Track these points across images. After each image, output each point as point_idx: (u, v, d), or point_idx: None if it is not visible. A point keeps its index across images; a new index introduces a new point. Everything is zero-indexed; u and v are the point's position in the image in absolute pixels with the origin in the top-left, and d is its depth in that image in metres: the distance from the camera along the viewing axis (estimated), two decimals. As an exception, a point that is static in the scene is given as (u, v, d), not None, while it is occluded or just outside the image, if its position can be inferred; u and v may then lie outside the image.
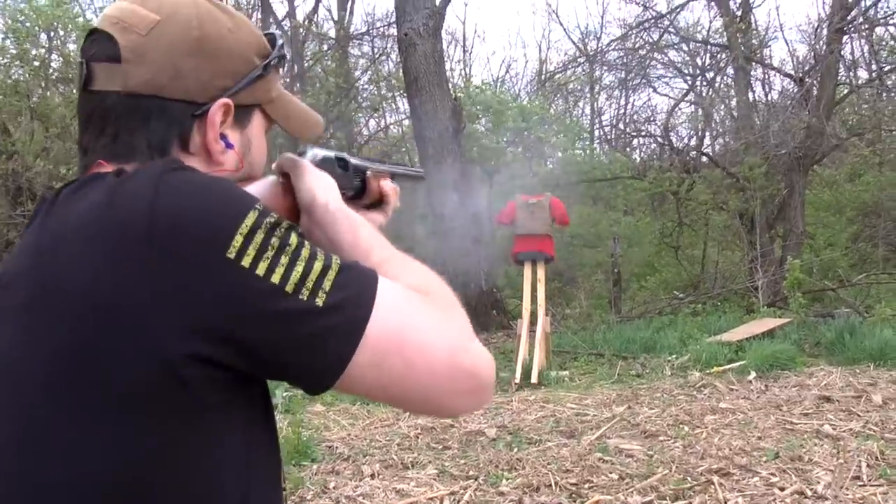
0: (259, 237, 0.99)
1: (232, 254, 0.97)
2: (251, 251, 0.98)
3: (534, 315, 9.73)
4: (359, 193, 1.47)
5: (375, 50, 22.01)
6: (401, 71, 14.96)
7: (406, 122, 18.66)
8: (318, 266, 1.02)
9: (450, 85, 14.94)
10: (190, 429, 1.00)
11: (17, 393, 1.01)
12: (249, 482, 1.08)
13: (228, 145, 1.18)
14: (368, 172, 1.49)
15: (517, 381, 8.68)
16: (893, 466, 5.10)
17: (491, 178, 17.11)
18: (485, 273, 13.05)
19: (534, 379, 8.60)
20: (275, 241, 1.00)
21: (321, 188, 1.24)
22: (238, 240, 0.98)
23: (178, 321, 0.95)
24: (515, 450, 5.84)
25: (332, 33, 21.17)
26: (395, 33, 14.35)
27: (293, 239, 1.03)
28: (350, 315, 1.02)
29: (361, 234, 1.21)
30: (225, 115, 1.17)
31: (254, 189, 1.18)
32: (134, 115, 1.12)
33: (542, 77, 26.78)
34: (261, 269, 0.98)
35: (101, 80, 1.13)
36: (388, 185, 1.51)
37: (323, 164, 1.36)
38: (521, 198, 10.22)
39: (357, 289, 1.04)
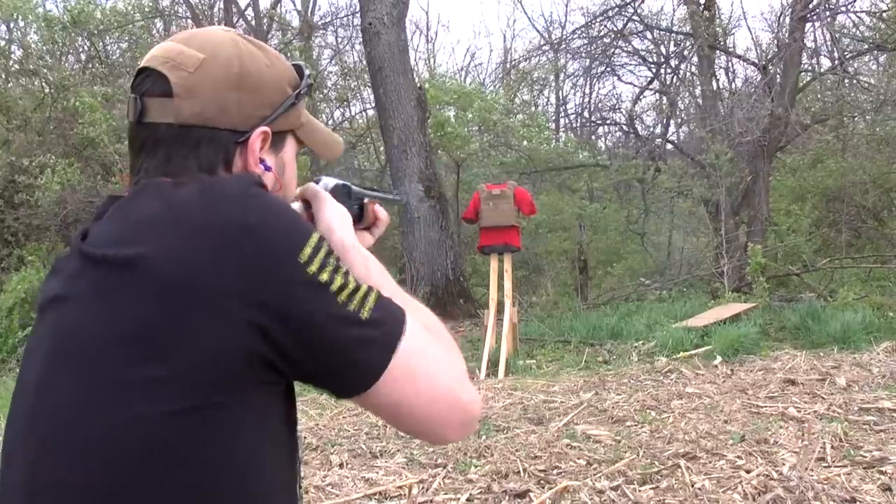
0: (322, 252, 1.17)
1: (303, 259, 1.14)
2: (317, 261, 1.15)
3: (501, 305, 9.73)
4: (357, 219, 1.65)
5: (339, 40, 21.90)
6: (365, 61, 14.90)
7: (371, 112, 18.58)
8: (364, 287, 1.20)
9: (414, 74, 14.89)
10: (244, 399, 1.14)
11: (96, 351, 1.13)
12: (278, 464, 1.24)
13: (266, 168, 1.35)
14: (366, 199, 1.69)
15: (483, 373, 8.65)
16: (857, 447, 5.15)
17: (457, 167, 17.12)
18: (451, 262, 13.05)
19: (501, 374, 8.58)
20: (332, 259, 1.19)
21: (339, 223, 1.45)
22: (308, 250, 1.15)
23: (256, 306, 1.11)
24: (484, 437, 5.84)
25: (296, 23, 21.06)
26: (360, 23, 14.28)
27: (343, 264, 1.22)
28: (388, 332, 1.19)
29: (372, 271, 1.37)
30: (263, 142, 1.33)
31: None
32: (185, 142, 1.27)
33: (507, 66, 26.81)
34: (323, 277, 1.15)
35: (154, 113, 1.27)
36: (382, 213, 1.72)
37: (333, 191, 1.57)
38: (485, 188, 10.15)
39: (392, 314, 1.22)
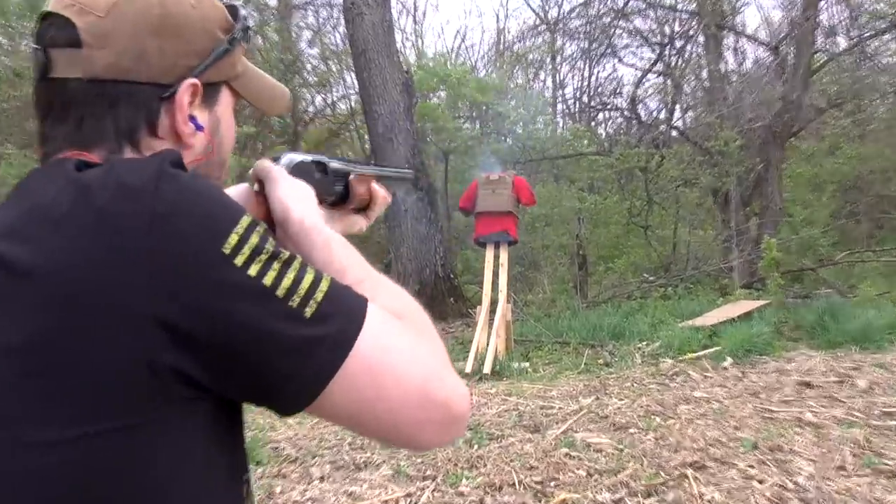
0: (254, 240, 1.04)
1: (227, 250, 1.01)
2: (246, 251, 1.02)
3: (494, 303, 9.72)
4: (342, 199, 1.55)
5: (320, 20, 21.87)
6: (347, 42, 14.87)
7: (354, 98, 18.57)
8: (308, 277, 1.07)
9: (400, 57, 14.86)
10: (152, 421, 1.01)
11: None
12: (209, 493, 1.10)
13: (198, 127, 1.24)
14: (352, 176, 1.56)
15: (470, 366, 8.65)
16: (879, 455, 5.14)
17: (446, 157, 17.09)
18: (441, 258, 13.03)
19: (486, 369, 8.57)
20: (268, 246, 1.05)
21: (296, 200, 1.30)
22: (233, 239, 1.02)
23: (165, 307, 0.98)
24: (476, 447, 5.82)
25: (273, 2, 21.02)
26: (341, 2, 14.25)
27: (286, 250, 1.08)
28: (340, 328, 1.06)
29: (336, 252, 1.24)
30: (193, 96, 1.21)
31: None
32: (99, 101, 1.15)
33: (501, 48, 26.82)
34: (253, 270, 1.02)
35: (61, 67, 1.15)
36: (378, 190, 1.60)
37: (299, 169, 1.42)
38: (482, 176, 10.24)
39: (347, 306, 1.09)
